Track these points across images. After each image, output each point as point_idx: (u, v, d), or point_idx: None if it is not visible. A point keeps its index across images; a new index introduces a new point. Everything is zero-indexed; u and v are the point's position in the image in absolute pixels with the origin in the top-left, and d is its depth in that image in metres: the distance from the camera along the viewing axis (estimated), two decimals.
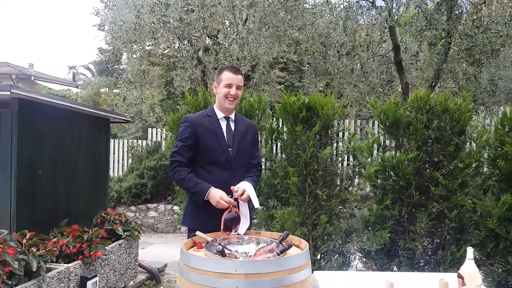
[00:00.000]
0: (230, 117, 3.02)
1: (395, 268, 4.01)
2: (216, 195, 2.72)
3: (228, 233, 2.64)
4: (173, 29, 9.02)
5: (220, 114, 2.99)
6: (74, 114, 4.64)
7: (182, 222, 3.06)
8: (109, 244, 4.35)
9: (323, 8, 8.22)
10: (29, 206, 3.98)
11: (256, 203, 2.79)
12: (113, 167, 10.99)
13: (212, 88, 3.05)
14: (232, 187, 2.77)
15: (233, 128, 3.01)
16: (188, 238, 2.89)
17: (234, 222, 2.68)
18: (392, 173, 4.00)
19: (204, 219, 2.78)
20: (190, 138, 2.87)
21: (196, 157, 2.90)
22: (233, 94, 2.92)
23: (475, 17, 7.58)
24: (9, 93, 3.58)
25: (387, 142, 4.46)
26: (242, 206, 2.78)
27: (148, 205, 9.16)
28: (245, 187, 2.79)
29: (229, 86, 2.90)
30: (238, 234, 2.69)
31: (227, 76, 2.91)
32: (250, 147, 3.09)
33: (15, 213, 3.80)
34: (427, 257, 4.06)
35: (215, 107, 3.04)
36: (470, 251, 2.09)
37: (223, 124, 2.99)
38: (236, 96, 2.95)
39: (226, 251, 2.30)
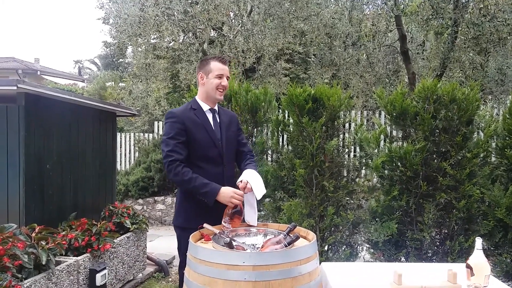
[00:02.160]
0: (215, 109, 2.93)
1: (403, 259, 4.01)
2: (228, 193, 2.63)
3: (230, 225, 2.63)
4: (177, 22, 9.00)
5: (205, 107, 2.88)
6: (80, 108, 4.65)
7: (175, 222, 2.93)
8: (118, 237, 4.38)
9: None
10: (37, 200, 4.01)
11: (258, 195, 2.72)
12: (120, 161, 11.04)
13: (198, 79, 2.91)
14: (237, 183, 2.72)
15: (218, 120, 2.93)
16: (179, 240, 2.89)
17: (237, 215, 2.67)
18: (399, 163, 3.98)
19: (201, 218, 2.61)
20: (181, 134, 2.74)
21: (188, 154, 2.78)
22: (224, 85, 2.84)
23: (482, 6, 7.48)
24: (15, 88, 3.60)
25: (394, 132, 4.44)
26: (248, 195, 2.72)
27: (156, 198, 9.20)
28: (249, 176, 2.74)
29: (220, 76, 2.82)
30: (249, 225, 2.69)
31: (217, 66, 2.82)
32: (236, 138, 3.03)
33: (24, 207, 3.83)
34: (435, 248, 4.05)
35: (198, 99, 2.91)
36: (478, 241, 2.09)
37: (210, 117, 2.89)
38: (226, 87, 2.88)
39: (234, 243, 2.31)
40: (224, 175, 2.83)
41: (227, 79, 2.88)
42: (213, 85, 2.82)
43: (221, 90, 2.85)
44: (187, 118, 2.79)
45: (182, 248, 2.82)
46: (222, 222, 2.62)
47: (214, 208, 2.67)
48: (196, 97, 2.94)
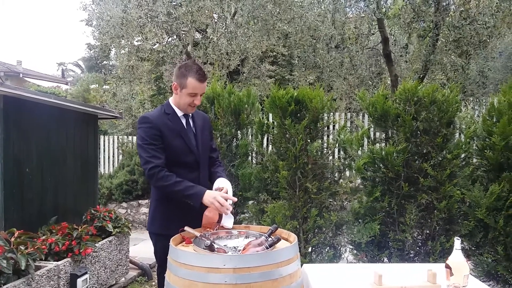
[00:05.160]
0: (188, 114, 2.89)
1: (385, 260, 4.03)
2: (211, 194, 2.61)
3: (209, 229, 2.62)
4: (161, 24, 8.96)
5: (179, 112, 2.83)
6: (61, 111, 4.59)
7: (150, 228, 2.86)
8: (99, 241, 4.33)
9: (312, 1, 8.21)
10: (16, 204, 3.94)
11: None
12: (104, 164, 10.92)
13: (172, 86, 2.81)
14: (218, 187, 2.73)
15: (192, 124, 2.89)
16: (155, 246, 2.87)
17: (216, 219, 2.66)
18: (381, 165, 4.01)
19: (176, 223, 2.57)
20: (157, 140, 2.69)
21: None
22: (196, 103, 2.77)
23: (462, 9, 7.60)
24: None
25: (377, 134, 4.47)
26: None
27: (140, 201, 9.12)
28: (226, 184, 2.76)
29: (193, 95, 2.73)
30: (225, 228, 2.68)
31: (193, 85, 2.70)
32: (209, 141, 3.01)
33: (3, 211, 3.76)
34: (417, 248, 4.08)
35: (172, 103, 2.84)
36: (457, 242, 2.10)
37: (184, 122, 2.84)
38: (198, 104, 2.80)
39: (215, 246, 2.29)
40: (200, 180, 2.80)
41: (202, 95, 2.80)
42: (185, 102, 2.76)
43: (193, 106, 2.79)
44: (162, 124, 2.73)
45: (159, 252, 2.82)
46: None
47: (190, 214, 2.66)
48: (170, 101, 2.87)
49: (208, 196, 2.60)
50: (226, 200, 2.62)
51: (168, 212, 2.78)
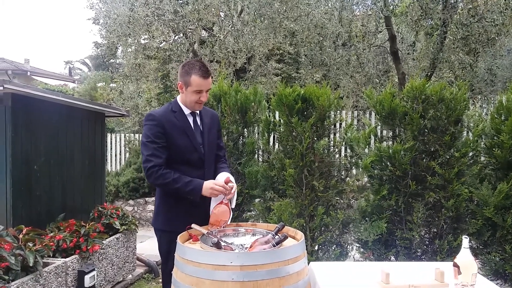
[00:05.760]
0: (196, 112, 2.88)
1: (392, 258, 4.02)
2: (208, 185, 2.64)
3: (217, 226, 2.62)
4: (168, 22, 8.97)
5: (186, 110, 2.82)
6: (68, 109, 4.62)
7: (154, 224, 2.89)
8: (107, 238, 4.36)
9: None
10: (25, 201, 3.97)
11: (234, 203, 2.76)
12: (111, 162, 10.96)
13: (178, 85, 2.81)
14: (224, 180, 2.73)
15: (199, 122, 2.88)
16: (160, 241, 2.88)
17: (224, 216, 2.66)
18: (388, 163, 3.99)
19: (179, 220, 2.60)
20: (160, 138, 2.68)
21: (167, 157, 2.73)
22: (203, 100, 2.76)
23: (470, 6, 7.55)
24: (1, 88, 3.56)
25: (384, 132, 4.45)
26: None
27: (146, 199, 9.14)
28: (230, 178, 2.77)
29: (199, 92, 2.72)
30: (237, 224, 2.69)
31: (197, 82, 2.69)
32: (216, 139, 3.00)
33: (11, 208, 3.79)
34: (424, 247, 4.06)
35: (180, 101, 2.84)
36: (465, 240, 2.09)
37: (191, 120, 2.83)
38: (205, 100, 2.80)
39: (222, 243, 2.29)
40: (205, 178, 2.78)
41: (207, 91, 2.79)
42: (191, 100, 2.75)
43: (200, 103, 2.79)
44: (167, 121, 2.73)
45: (162, 248, 2.85)
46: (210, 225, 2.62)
47: (192, 210, 2.68)
48: (178, 99, 2.86)
49: (206, 189, 2.63)
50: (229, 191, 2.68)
51: (171, 208, 2.79)
